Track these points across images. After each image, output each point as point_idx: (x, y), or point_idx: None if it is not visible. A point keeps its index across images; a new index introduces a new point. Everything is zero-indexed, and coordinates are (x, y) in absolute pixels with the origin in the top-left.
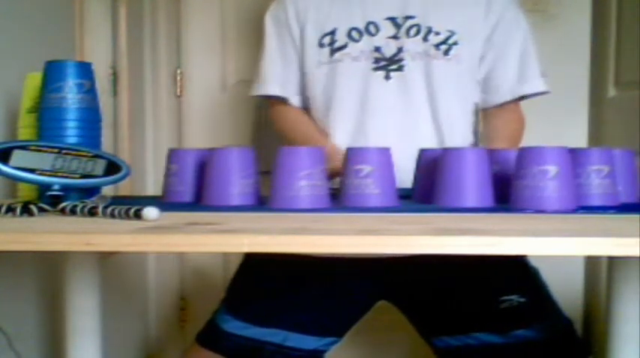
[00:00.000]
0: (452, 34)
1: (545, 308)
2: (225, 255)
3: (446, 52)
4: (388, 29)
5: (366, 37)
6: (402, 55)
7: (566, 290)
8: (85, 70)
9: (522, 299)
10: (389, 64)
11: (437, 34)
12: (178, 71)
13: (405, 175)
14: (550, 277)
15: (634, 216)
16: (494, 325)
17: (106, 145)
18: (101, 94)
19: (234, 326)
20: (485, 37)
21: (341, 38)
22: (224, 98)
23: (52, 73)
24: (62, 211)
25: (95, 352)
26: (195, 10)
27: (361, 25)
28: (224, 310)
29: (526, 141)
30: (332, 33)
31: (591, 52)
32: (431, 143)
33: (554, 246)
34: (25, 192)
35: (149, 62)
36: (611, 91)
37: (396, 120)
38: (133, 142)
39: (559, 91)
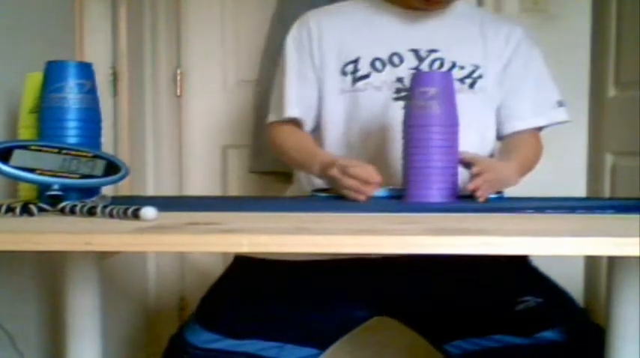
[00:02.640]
0: (476, 67)
1: (565, 309)
2: (225, 254)
3: (471, 86)
4: (411, 61)
5: (389, 68)
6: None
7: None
8: (86, 70)
9: (538, 300)
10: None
11: (462, 68)
12: (178, 71)
13: None
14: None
15: (634, 216)
16: (514, 327)
17: (106, 145)
18: (101, 94)
19: (207, 340)
20: (502, 69)
21: (364, 67)
22: (224, 98)
23: (53, 73)
24: (62, 211)
25: (95, 352)
26: (195, 10)
27: (385, 56)
28: (196, 323)
29: None
30: (355, 61)
31: (591, 52)
32: None
33: (554, 246)
34: (26, 192)
35: (149, 62)
36: (611, 91)
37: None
38: (133, 142)
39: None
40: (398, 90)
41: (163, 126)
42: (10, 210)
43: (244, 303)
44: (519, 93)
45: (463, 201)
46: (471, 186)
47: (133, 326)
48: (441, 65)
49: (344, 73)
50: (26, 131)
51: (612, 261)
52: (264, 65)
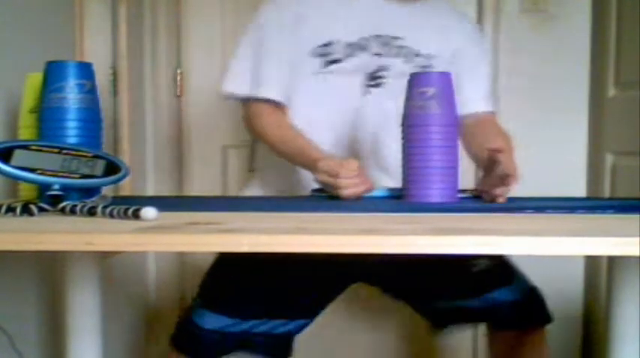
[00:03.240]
0: (432, 56)
1: (511, 272)
2: None
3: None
4: (375, 47)
5: (358, 53)
6: (383, 72)
7: (566, 290)
8: (86, 70)
9: (489, 263)
10: (370, 79)
11: (421, 56)
12: (178, 71)
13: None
14: (550, 277)
15: (634, 216)
16: (472, 287)
17: (106, 145)
18: (101, 94)
19: (218, 323)
20: (453, 56)
21: (337, 51)
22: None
23: (53, 73)
24: (62, 211)
25: (95, 352)
26: (195, 10)
27: (355, 41)
28: (203, 308)
29: (526, 140)
30: (328, 45)
31: (591, 52)
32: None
33: (554, 246)
34: (26, 192)
35: (149, 62)
36: (611, 91)
37: (372, 133)
38: (133, 142)
39: (559, 91)
40: (363, 75)
41: (163, 126)
42: (10, 209)
43: (245, 285)
44: (474, 81)
45: (463, 200)
46: (498, 192)
47: (133, 326)
48: (403, 53)
49: (317, 55)
50: (26, 131)
51: (612, 260)
52: None
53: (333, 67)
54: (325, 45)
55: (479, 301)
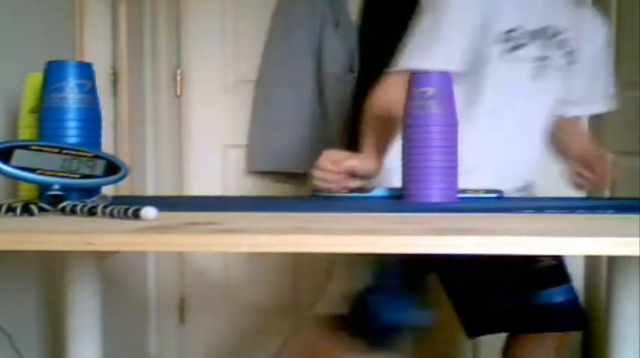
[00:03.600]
0: (581, 53)
1: (566, 272)
2: (225, 255)
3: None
4: (544, 38)
5: (533, 41)
6: (546, 62)
7: None
8: (86, 70)
9: (552, 261)
10: (536, 69)
11: (572, 52)
12: (178, 71)
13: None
14: None
15: (634, 216)
16: (533, 283)
17: (106, 145)
18: (101, 94)
19: (396, 315)
20: (590, 58)
21: (519, 38)
22: (224, 98)
23: (53, 73)
24: (62, 211)
25: (95, 352)
26: (195, 10)
27: (534, 29)
28: (383, 301)
29: None
30: (513, 31)
31: None
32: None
33: (555, 246)
34: (26, 192)
35: (149, 62)
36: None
37: (524, 119)
38: (133, 142)
39: None
40: (534, 61)
41: (163, 126)
42: (10, 209)
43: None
44: (600, 83)
45: (463, 200)
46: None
47: (133, 326)
48: (562, 46)
49: (502, 41)
50: (26, 131)
51: (612, 260)
52: (264, 64)
53: (515, 53)
54: (511, 31)
55: (535, 297)
